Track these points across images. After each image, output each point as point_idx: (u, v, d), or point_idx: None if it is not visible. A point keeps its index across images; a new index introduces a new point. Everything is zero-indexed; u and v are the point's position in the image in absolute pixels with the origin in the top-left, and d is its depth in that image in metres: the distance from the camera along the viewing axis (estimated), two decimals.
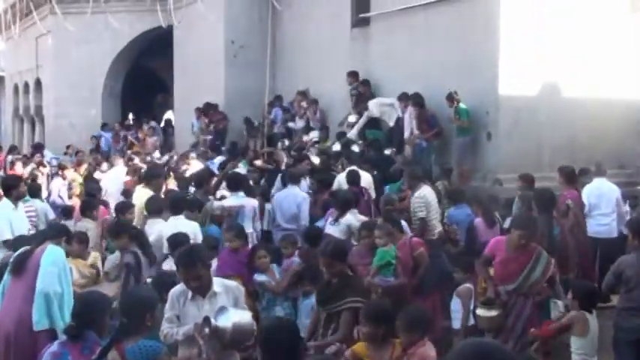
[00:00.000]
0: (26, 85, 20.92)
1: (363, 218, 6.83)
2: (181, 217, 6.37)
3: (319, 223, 7.04)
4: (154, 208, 6.59)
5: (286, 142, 12.06)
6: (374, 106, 10.92)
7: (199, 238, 6.10)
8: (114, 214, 7.34)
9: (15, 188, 6.41)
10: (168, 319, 4.00)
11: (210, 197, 7.61)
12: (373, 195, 8.04)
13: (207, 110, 14.57)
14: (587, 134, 9.51)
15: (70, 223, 7.04)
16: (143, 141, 16.26)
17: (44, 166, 12.15)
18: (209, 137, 14.11)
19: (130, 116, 20.43)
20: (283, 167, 9.52)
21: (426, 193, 7.06)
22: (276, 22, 14.22)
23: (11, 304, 4.69)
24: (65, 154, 15.15)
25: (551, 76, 9.44)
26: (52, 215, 7.83)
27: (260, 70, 13.85)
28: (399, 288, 5.36)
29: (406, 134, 10.40)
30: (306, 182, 8.21)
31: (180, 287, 4.05)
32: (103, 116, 18.28)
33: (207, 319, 3.67)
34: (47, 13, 18.12)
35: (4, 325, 4.64)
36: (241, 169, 9.73)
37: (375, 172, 8.72)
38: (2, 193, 6.65)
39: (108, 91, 18.63)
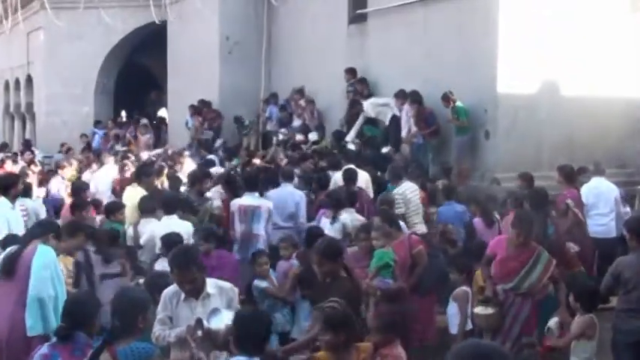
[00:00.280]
0: (17, 81, 20.74)
1: (360, 218, 6.78)
2: (174, 217, 6.30)
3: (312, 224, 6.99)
4: (147, 208, 6.54)
5: (280, 136, 11.91)
6: (369, 107, 10.89)
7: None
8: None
9: (13, 187, 6.40)
10: (160, 320, 3.97)
11: (209, 195, 7.51)
12: (371, 194, 7.94)
13: (201, 108, 14.45)
14: (586, 133, 9.48)
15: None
16: (135, 139, 16.14)
17: (35, 165, 12.04)
18: (210, 135, 13.95)
19: (123, 113, 20.28)
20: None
21: (405, 189, 7.19)
22: (271, 17, 14.13)
23: (3, 309, 4.59)
24: (59, 152, 15.00)
25: (551, 75, 9.41)
26: (43, 214, 7.71)
27: (255, 67, 13.80)
28: (398, 291, 5.29)
29: (403, 133, 10.36)
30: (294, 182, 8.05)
31: (173, 288, 4.02)
32: (95, 113, 18.15)
33: (199, 321, 3.65)
34: (39, 9, 17.92)
35: None
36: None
37: (379, 173, 8.69)
38: None
39: (100, 88, 18.48)
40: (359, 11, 11.88)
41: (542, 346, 4.94)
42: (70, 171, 11.18)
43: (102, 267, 5.43)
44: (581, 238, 6.97)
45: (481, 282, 5.50)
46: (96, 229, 5.79)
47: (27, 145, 15.45)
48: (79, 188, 8.19)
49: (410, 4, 10.65)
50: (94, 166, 11.60)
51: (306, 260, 5.65)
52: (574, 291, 4.95)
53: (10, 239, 5.35)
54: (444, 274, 5.90)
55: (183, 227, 6.02)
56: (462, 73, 9.57)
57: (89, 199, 7.77)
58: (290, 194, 7.43)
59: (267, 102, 13.74)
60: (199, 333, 3.63)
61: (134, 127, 16.95)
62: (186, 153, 11.64)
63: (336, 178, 7.96)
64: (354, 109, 11.27)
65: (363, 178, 8.01)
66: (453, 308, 5.64)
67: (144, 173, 7.87)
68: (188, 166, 10.45)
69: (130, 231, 6.65)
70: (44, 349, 3.48)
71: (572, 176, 7.49)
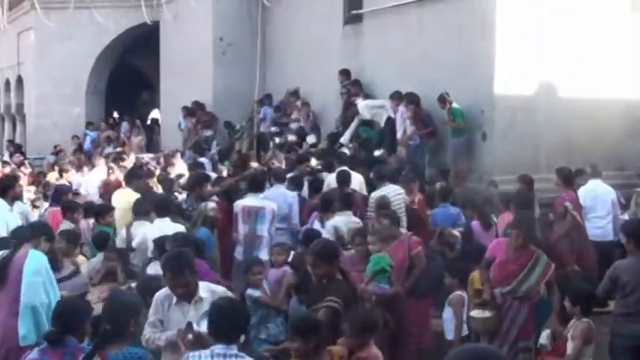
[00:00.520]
0: (7, 82, 20.60)
1: (357, 221, 6.72)
2: (167, 220, 6.20)
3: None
4: (141, 210, 6.46)
5: (277, 140, 11.83)
6: (364, 109, 10.84)
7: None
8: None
9: (12, 188, 6.40)
10: (151, 323, 3.94)
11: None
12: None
13: (195, 110, 14.34)
14: (584, 134, 9.43)
15: None
16: (128, 140, 16.04)
17: (25, 167, 11.92)
18: (209, 134, 13.79)
19: (115, 115, 20.14)
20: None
21: (388, 192, 7.14)
22: (266, 18, 14.05)
23: None
24: (52, 154, 14.85)
25: (548, 75, 9.36)
26: (33, 217, 7.64)
27: (249, 68, 13.72)
28: (394, 296, 5.28)
29: (399, 135, 10.28)
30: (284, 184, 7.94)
31: (165, 291, 4.00)
32: (86, 115, 18.05)
33: (190, 325, 3.65)
34: (29, 9, 17.75)
35: None
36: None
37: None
38: None
39: (92, 89, 18.38)
40: (354, 12, 11.80)
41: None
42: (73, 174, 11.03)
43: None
44: (580, 241, 6.93)
45: (477, 284, 5.52)
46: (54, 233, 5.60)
47: (18, 148, 15.33)
48: (60, 191, 8.07)
49: (405, 5, 10.58)
50: (85, 168, 11.49)
51: (300, 267, 5.58)
52: (570, 294, 4.89)
53: (2, 242, 5.23)
54: (441, 278, 5.84)
55: (175, 230, 5.86)
56: (458, 74, 9.51)
57: (84, 202, 7.73)
58: (282, 195, 7.39)
59: (260, 103, 13.67)
60: (190, 337, 3.61)
61: (130, 127, 16.85)
62: (178, 155, 11.50)
63: (330, 180, 7.91)
64: (349, 111, 11.20)
65: (357, 181, 7.96)
66: (448, 313, 5.60)
67: (134, 175, 7.76)
68: (180, 168, 10.36)
69: (122, 233, 6.56)
70: (34, 353, 3.46)
71: (571, 179, 7.47)
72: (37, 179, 11.32)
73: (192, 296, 3.91)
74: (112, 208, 7.07)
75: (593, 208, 7.56)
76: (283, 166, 9.53)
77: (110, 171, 9.64)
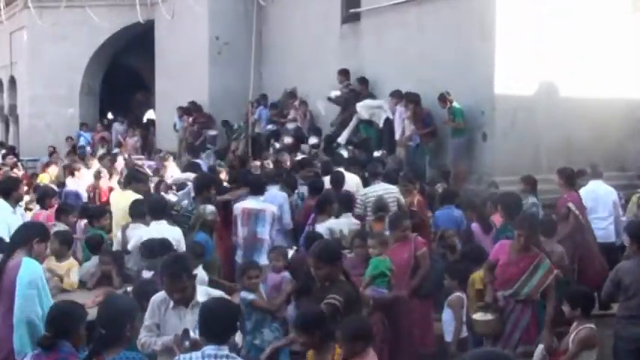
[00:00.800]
0: (0, 82, 20.39)
1: (357, 222, 6.66)
2: (164, 222, 6.05)
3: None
4: (137, 212, 6.34)
5: (277, 145, 11.71)
6: (362, 109, 10.78)
7: (182, 245, 5.75)
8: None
9: (15, 190, 6.27)
10: (146, 327, 3.91)
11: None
12: None
13: (191, 110, 14.23)
14: (585, 135, 9.38)
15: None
16: (124, 141, 15.95)
17: (18, 168, 11.79)
18: (214, 133, 13.67)
19: (109, 115, 20.03)
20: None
21: (378, 190, 7.13)
22: (262, 17, 13.98)
23: None
24: (49, 156, 14.70)
25: (549, 76, 9.29)
26: (25, 219, 7.46)
27: (245, 68, 13.65)
28: (393, 301, 5.25)
29: (397, 135, 10.21)
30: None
31: (161, 295, 3.97)
32: (80, 115, 18.03)
33: (186, 332, 3.63)
34: (22, 7, 17.60)
35: None
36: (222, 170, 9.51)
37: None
38: None
39: (86, 90, 18.33)
40: (352, 10, 11.75)
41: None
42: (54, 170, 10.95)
43: None
44: (585, 244, 6.85)
45: (478, 285, 5.49)
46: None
47: (10, 149, 15.19)
48: (45, 194, 7.99)
49: (404, 4, 10.52)
50: (77, 174, 11.33)
51: (300, 270, 5.49)
52: (567, 297, 4.78)
53: (2, 245, 5.06)
54: (442, 280, 5.80)
55: (172, 233, 5.79)
56: (458, 74, 9.45)
57: (80, 205, 7.69)
58: (273, 197, 7.34)
59: (255, 103, 13.57)
60: (187, 344, 3.57)
61: (126, 128, 16.75)
62: (171, 158, 11.41)
63: (326, 181, 7.79)
64: (346, 112, 11.11)
65: (354, 182, 7.88)
66: (447, 314, 5.57)
67: (134, 178, 7.66)
68: (172, 170, 10.30)
69: (118, 235, 6.44)
70: (27, 359, 3.45)
71: (573, 179, 7.38)
72: (31, 181, 11.18)
73: (190, 301, 3.88)
74: (107, 211, 7.00)
75: (594, 209, 7.48)
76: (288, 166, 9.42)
77: (102, 175, 9.51)
